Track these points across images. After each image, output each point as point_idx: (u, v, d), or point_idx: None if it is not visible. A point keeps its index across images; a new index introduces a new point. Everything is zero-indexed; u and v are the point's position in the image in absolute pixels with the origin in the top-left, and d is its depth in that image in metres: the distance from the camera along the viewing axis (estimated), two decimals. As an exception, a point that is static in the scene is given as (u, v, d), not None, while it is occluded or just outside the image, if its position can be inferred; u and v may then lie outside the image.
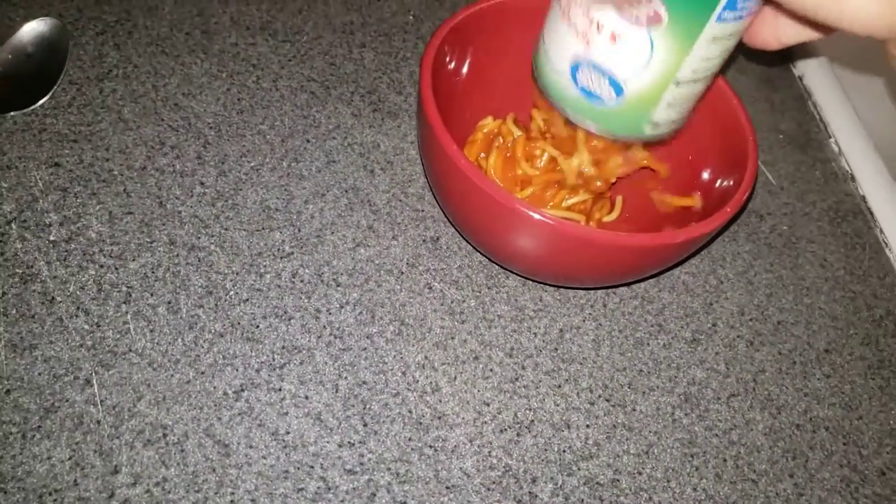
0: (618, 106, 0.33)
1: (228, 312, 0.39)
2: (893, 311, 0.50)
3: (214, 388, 0.37)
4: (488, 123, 0.45)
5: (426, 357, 0.40)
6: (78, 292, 0.38)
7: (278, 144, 0.46)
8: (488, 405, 0.39)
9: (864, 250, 0.53)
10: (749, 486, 0.40)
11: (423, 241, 0.44)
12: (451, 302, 0.42)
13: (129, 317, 0.38)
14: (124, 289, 0.39)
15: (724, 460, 0.41)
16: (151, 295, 0.39)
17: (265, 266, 0.41)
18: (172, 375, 0.37)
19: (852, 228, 0.54)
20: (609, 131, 0.35)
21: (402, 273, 0.43)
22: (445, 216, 0.45)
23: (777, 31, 0.33)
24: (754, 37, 0.34)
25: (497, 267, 0.45)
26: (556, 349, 0.42)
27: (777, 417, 0.43)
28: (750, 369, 0.45)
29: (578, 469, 0.38)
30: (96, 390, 0.36)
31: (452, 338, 0.41)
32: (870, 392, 0.46)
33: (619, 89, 0.33)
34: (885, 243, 0.54)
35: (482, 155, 0.45)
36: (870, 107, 0.63)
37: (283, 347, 0.39)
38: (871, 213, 0.55)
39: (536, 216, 0.34)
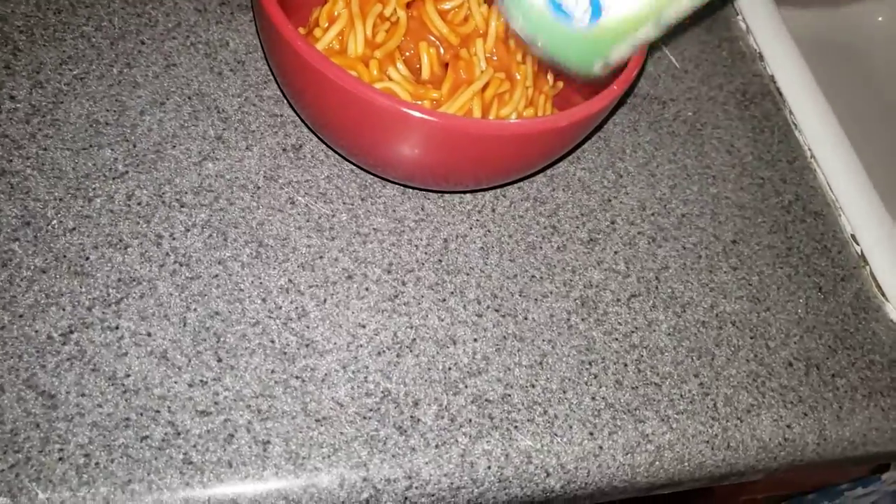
0: (584, 31, 0.28)
1: (51, 245, 0.34)
2: (802, 195, 0.48)
3: (36, 332, 0.32)
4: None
5: (290, 280, 0.36)
6: None
7: (107, 48, 0.40)
8: (364, 327, 0.35)
9: (772, 133, 0.50)
10: (652, 391, 0.38)
11: (283, 149, 0.39)
12: (319, 217, 0.38)
13: (-74, 258, 0.32)
14: (-81, 226, 0.33)
15: (625, 365, 0.38)
16: (-46, 231, 0.33)
17: (94, 189, 0.35)
18: (-18, 322, 0.31)
19: (760, 111, 0.51)
20: (557, 56, 0.30)
21: (259, 188, 0.38)
22: (301, 119, 0.40)
23: None
24: None
25: (372, 176, 0.40)
26: (441, 261, 0.38)
27: (682, 316, 0.40)
28: (652, 267, 0.42)
29: (465, 387, 0.35)
30: None
31: (321, 257, 0.37)
32: (777, 282, 0.43)
33: (597, 12, 0.28)
34: (795, 125, 0.51)
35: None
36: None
37: (119, 280, 0.34)
38: (780, 94, 0.52)
39: (400, 108, 0.29)
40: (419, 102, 0.34)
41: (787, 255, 0.45)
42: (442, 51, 0.36)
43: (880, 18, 0.71)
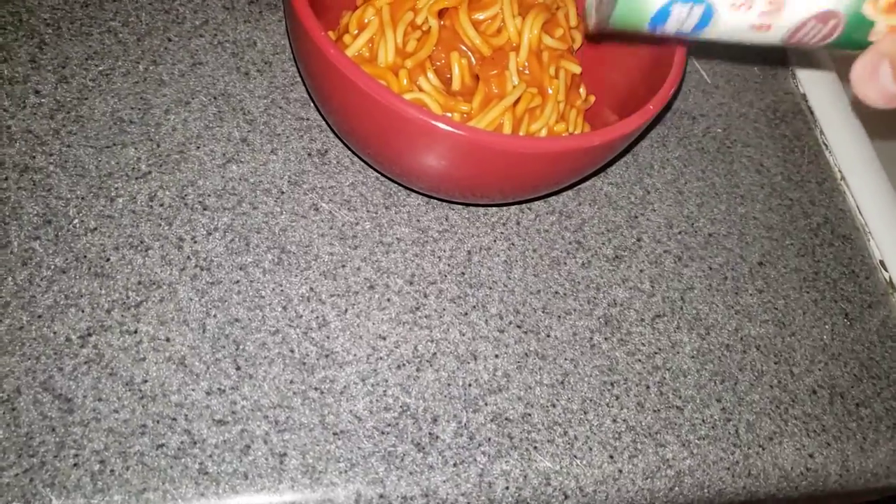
0: None
1: (72, 244, 0.33)
2: (831, 218, 0.47)
3: (55, 333, 0.31)
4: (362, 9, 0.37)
5: (311, 289, 0.35)
6: None
7: (133, 44, 0.39)
8: (384, 339, 0.35)
9: (802, 153, 0.49)
10: (674, 414, 0.37)
11: (309, 154, 0.39)
12: (343, 225, 0.37)
13: (-55, 254, 0.32)
14: (-60, 221, 0.32)
15: (648, 387, 0.37)
16: (-26, 227, 0.33)
17: (117, 188, 0.35)
18: (1, 321, 0.31)
19: (791, 130, 0.50)
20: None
21: (283, 193, 0.37)
22: (327, 124, 0.39)
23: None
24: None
25: (397, 184, 0.39)
26: (464, 273, 0.38)
27: (706, 338, 0.40)
28: (677, 287, 0.41)
29: (485, 404, 0.34)
30: None
31: (343, 266, 0.36)
32: (804, 306, 0.43)
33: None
34: (826, 145, 0.50)
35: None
36: None
37: (140, 283, 0.33)
38: (812, 113, 0.51)
39: (429, 120, 0.29)
40: (449, 115, 0.34)
41: (814, 280, 0.44)
42: (473, 61, 0.35)
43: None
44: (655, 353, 0.38)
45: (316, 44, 0.29)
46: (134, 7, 0.40)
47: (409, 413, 0.33)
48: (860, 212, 0.47)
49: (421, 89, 0.34)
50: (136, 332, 0.32)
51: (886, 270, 0.45)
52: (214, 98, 0.39)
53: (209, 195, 0.36)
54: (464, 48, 0.35)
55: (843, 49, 0.29)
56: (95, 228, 0.34)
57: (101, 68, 0.38)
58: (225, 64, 0.40)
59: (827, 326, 0.42)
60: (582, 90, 0.39)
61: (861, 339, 0.43)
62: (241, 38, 0.41)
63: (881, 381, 0.42)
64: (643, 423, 0.36)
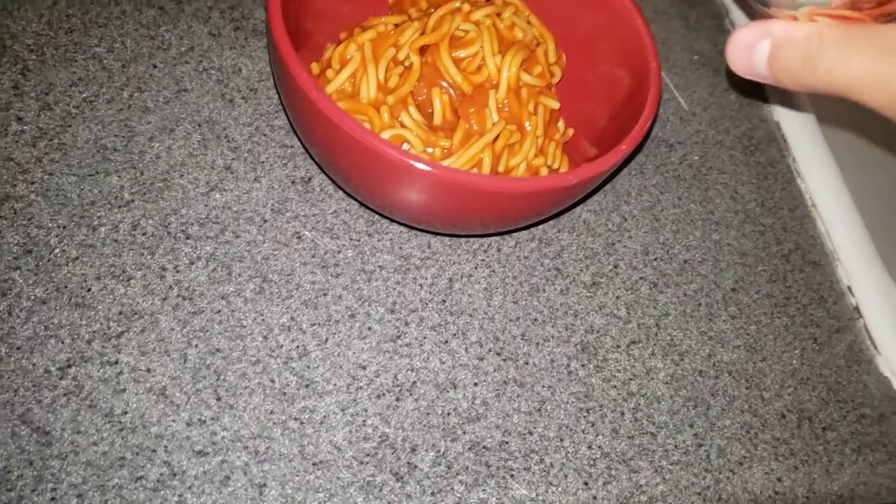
0: None
1: (52, 274, 0.33)
2: (802, 244, 0.48)
3: (33, 365, 0.31)
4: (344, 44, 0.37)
5: (293, 318, 0.35)
6: None
7: (118, 71, 0.39)
8: (364, 368, 0.35)
9: (776, 180, 0.50)
10: (647, 440, 0.38)
11: (292, 182, 0.39)
12: (325, 253, 0.38)
13: (-74, 284, 0.32)
14: (-80, 250, 0.32)
15: (622, 413, 0.38)
16: (-45, 256, 0.33)
17: (99, 217, 0.35)
18: (-19, 353, 0.31)
19: (765, 157, 0.51)
20: None
21: (266, 221, 0.37)
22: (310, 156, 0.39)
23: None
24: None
25: (379, 213, 0.40)
26: (444, 301, 0.38)
27: (679, 364, 0.41)
28: (653, 313, 0.42)
29: (464, 433, 0.35)
30: None
31: (325, 294, 0.36)
32: (775, 332, 0.44)
33: None
34: (798, 172, 0.51)
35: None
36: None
37: (121, 313, 0.33)
38: (785, 140, 0.52)
39: (408, 161, 0.29)
40: (430, 150, 0.34)
41: (785, 305, 0.45)
42: (455, 96, 0.36)
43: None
44: (630, 379, 0.39)
45: (296, 82, 0.30)
46: (119, 33, 0.40)
47: (388, 443, 0.34)
48: (830, 238, 0.48)
49: (403, 125, 0.34)
50: (116, 362, 0.32)
51: (853, 296, 0.47)
52: (199, 125, 0.39)
53: (192, 224, 0.36)
54: (445, 84, 0.35)
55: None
56: (77, 258, 0.34)
57: (84, 95, 0.38)
58: (210, 91, 0.40)
59: (797, 351, 0.44)
60: (560, 124, 0.40)
61: (828, 364, 0.44)
62: (226, 65, 0.41)
63: (847, 404, 0.43)
64: (617, 450, 0.37)
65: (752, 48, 0.27)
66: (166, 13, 0.42)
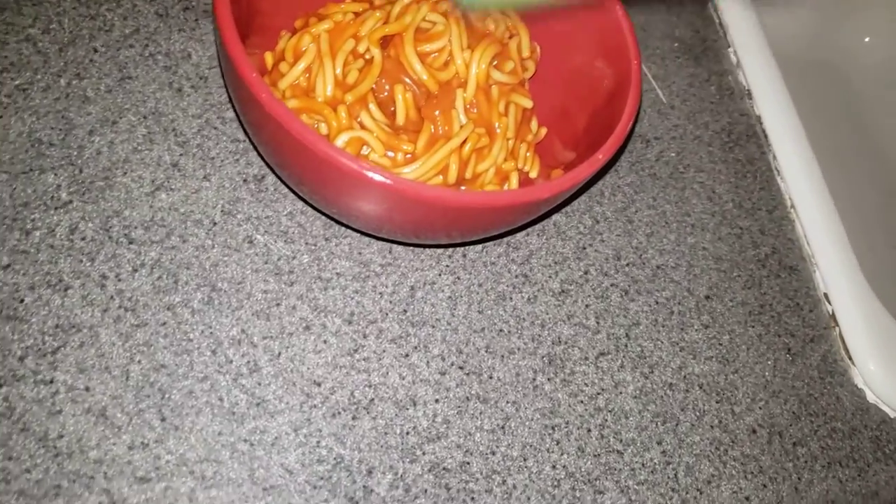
0: None
1: (-19, 283, 0.31)
2: (779, 248, 0.46)
3: (-40, 384, 0.29)
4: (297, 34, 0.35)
5: (243, 330, 0.33)
6: None
7: (54, 55, 0.36)
8: (319, 385, 0.33)
9: (754, 179, 0.48)
10: (614, 459, 0.37)
11: (244, 180, 0.36)
12: (278, 259, 0.35)
13: None
14: None
15: (589, 430, 0.37)
16: None
17: (34, 220, 0.32)
18: None
19: (745, 154, 0.49)
20: None
21: (216, 224, 0.35)
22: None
23: None
24: None
25: (338, 211, 0.37)
26: (406, 311, 0.36)
27: (649, 377, 0.39)
28: (623, 323, 0.40)
29: (423, 454, 0.34)
30: None
31: (278, 304, 0.34)
32: (748, 342, 0.43)
33: None
34: (778, 171, 0.49)
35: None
36: (774, 14, 0.57)
37: (57, 327, 0.31)
38: (766, 136, 0.50)
39: (365, 173, 0.27)
40: (392, 154, 0.32)
41: (760, 314, 0.44)
42: (419, 94, 0.33)
43: (867, 39, 0.70)
44: (598, 393, 0.38)
45: (241, 78, 0.27)
46: (56, 13, 0.37)
47: (342, 465, 0.32)
48: (808, 242, 0.47)
49: (362, 126, 0.32)
50: (52, 381, 0.30)
51: (830, 303, 0.46)
52: (144, 117, 0.36)
53: (136, 227, 0.34)
54: (409, 81, 0.33)
55: None
56: (8, 265, 0.31)
57: (17, 82, 0.35)
58: (157, 79, 0.37)
59: (770, 362, 0.43)
60: (533, 123, 0.38)
61: (802, 376, 0.43)
62: (174, 50, 0.38)
63: (818, 418, 0.42)
64: (583, 469, 0.36)
65: None
66: (111, -10, 0.38)
